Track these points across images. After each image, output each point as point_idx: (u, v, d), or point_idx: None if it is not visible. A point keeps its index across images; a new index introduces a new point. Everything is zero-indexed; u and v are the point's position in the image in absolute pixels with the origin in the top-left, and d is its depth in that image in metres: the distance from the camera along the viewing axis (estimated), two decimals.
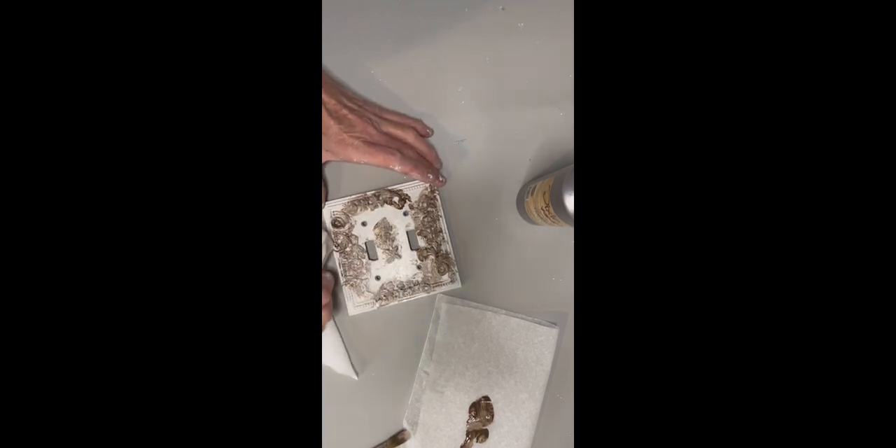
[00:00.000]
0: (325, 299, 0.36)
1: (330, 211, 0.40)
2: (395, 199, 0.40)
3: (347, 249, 0.40)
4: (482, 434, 0.40)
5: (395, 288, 0.40)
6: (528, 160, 0.42)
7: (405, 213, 0.40)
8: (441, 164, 0.41)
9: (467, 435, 0.40)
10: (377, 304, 0.40)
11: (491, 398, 0.40)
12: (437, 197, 0.41)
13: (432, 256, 0.40)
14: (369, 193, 0.40)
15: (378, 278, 0.40)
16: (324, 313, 0.36)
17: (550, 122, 0.42)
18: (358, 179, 0.40)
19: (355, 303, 0.40)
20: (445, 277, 0.40)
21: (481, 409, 0.40)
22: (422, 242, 0.40)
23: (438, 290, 0.40)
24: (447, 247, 0.40)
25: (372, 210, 0.40)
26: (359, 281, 0.40)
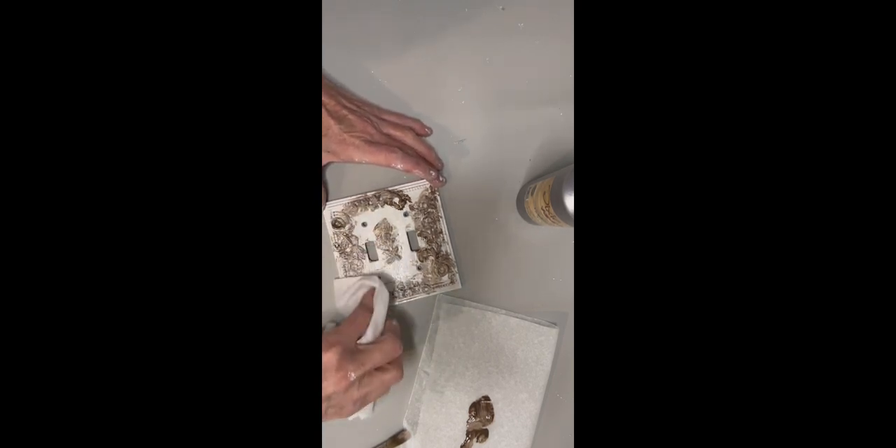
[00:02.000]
0: (397, 352, 0.33)
1: (330, 211, 0.40)
2: (396, 199, 0.40)
3: (348, 250, 0.40)
4: (482, 434, 0.40)
5: (395, 289, 0.40)
6: (528, 160, 0.42)
7: (405, 214, 0.40)
8: (442, 164, 0.41)
9: (467, 435, 0.40)
10: None
11: (491, 398, 0.40)
12: (438, 198, 0.40)
13: (432, 257, 0.40)
14: (369, 194, 0.40)
15: (379, 278, 0.40)
16: (394, 373, 0.32)
17: (550, 122, 0.42)
18: (358, 180, 0.40)
19: None
20: (445, 278, 0.40)
21: (481, 409, 0.40)
22: (422, 243, 0.40)
23: (439, 291, 0.40)
24: (447, 248, 0.40)
25: (372, 211, 0.40)
26: None
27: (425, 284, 0.40)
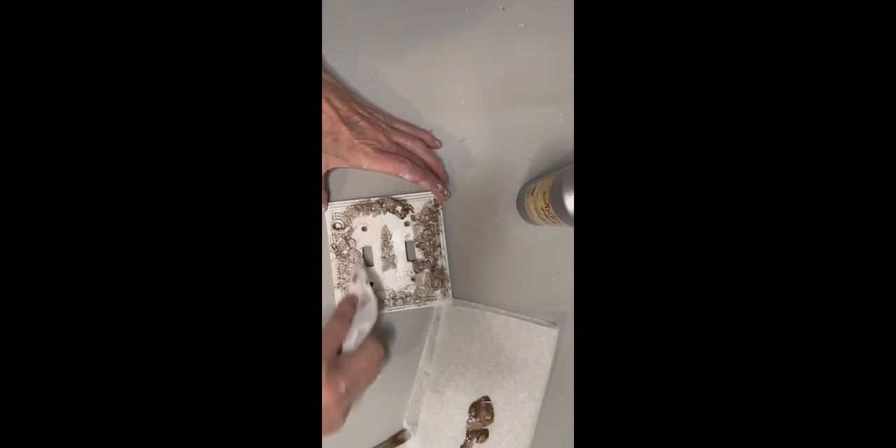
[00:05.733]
0: (380, 353, 0.33)
1: (332, 212, 0.40)
2: (398, 208, 0.40)
3: (344, 252, 0.40)
4: (482, 434, 0.40)
5: (387, 297, 0.40)
6: (528, 160, 0.42)
7: (406, 224, 0.40)
8: (448, 178, 0.41)
9: (467, 435, 0.40)
10: None
11: (491, 398, 0.40)
12: (440, 211, 0.40)
13: (428, 270, 0.40)
14: (373, 200, 0.40)
15: (371, 284, 0.40)
16: (373, 374, 0.33)
17: (550, 122, 0.42)
18: (360, 184, 0.40)
19: None
20: (438, 293, 0.40)
21: (481, 409, 0.40)
22: (419, 255, 0.40)
23: (429, 304, 0.40)
24: (444, 262, 0.41)
25: (374, 216, 0.40)
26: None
27: (417, 296, 0.40)
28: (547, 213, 0.33)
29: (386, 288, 0.40)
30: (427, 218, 0.40)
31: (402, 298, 0.40)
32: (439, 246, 0.41)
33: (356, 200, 0.40)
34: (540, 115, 0.42)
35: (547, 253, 0.42)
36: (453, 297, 0.41)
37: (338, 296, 0.40)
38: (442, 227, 0.41)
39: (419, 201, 0.40)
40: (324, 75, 0.37)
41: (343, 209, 0.40)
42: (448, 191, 0.40)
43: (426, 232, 0.40)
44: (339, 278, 0.40)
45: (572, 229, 0.39)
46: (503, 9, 0.41)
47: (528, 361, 0.41)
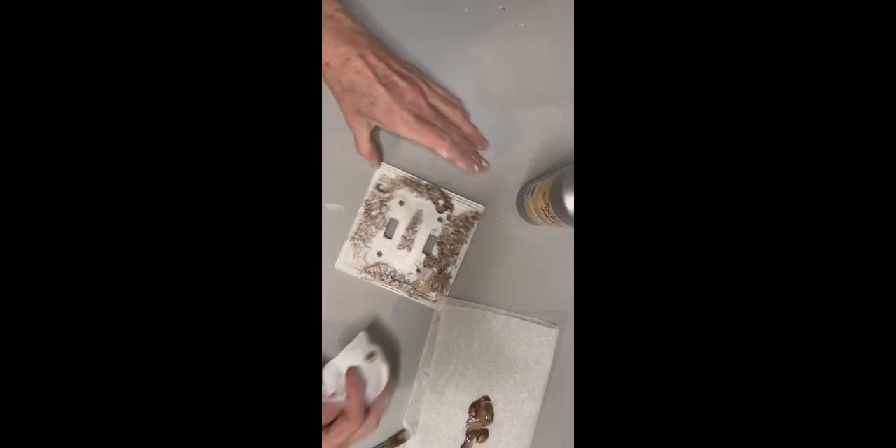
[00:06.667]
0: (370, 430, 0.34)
1: (382, 173, 0.40)
2: (441, 201, 0.40)
3: (373, 214, 0.40)
4: (482, 434, 0.40)
5: (387, 272, 0.40)
6: (528, 160, 0.42)
7: (440, 220, 0.40)
8: (487, 143, 0.37)
9: (467, 435, 0.40)
10: (362, 275, 0.40)
11: (491, 398, 0.40)
12: (475, 224, 0.40)
13: (435, 269, 0.40)
14: (423, 182, 0.40)
15: (380, 254, 0.40)
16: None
17: (550, 122, 0.42)
18: (416, 159, 0.40)
19: (346, 261, 0.40)
20: (433, 295, 0.40)
21: (481, 409, 0.40)
22: (435, 252, 0.40)
23: (420, 301, 0.40)
24: (453, 270, 0.41)
25: (416, 196, 0.40)
26: (363, 244, 0.40)
27: (413, 287, 0.40)
28: (547, 213, 0.33)
29: (390, 263, 0.40)
30: (461, 223, 0.40)
31: (398, 281, 0.40)
32: (457, 254, 0.41)
33: (410, 175, 0.40)
34: (540, 115, 0.42)
35: (547, 253, 0.42)
36: (447, 302, 0.41)
37: (346, 247, 0.39)
38: (469, 239, 0.41)
39: (463, 205, 0.40)
40: (353, 24, 0.34)
41: (394, 176, 0.40)
42: (486, 162, 0.35)
43: (454, 235, 0.40)
44: (355, 233, 0.40)
45: (572, 229, 0.39)
46: (503, 9, 0.41)
47: (528, 361, 0.41)
